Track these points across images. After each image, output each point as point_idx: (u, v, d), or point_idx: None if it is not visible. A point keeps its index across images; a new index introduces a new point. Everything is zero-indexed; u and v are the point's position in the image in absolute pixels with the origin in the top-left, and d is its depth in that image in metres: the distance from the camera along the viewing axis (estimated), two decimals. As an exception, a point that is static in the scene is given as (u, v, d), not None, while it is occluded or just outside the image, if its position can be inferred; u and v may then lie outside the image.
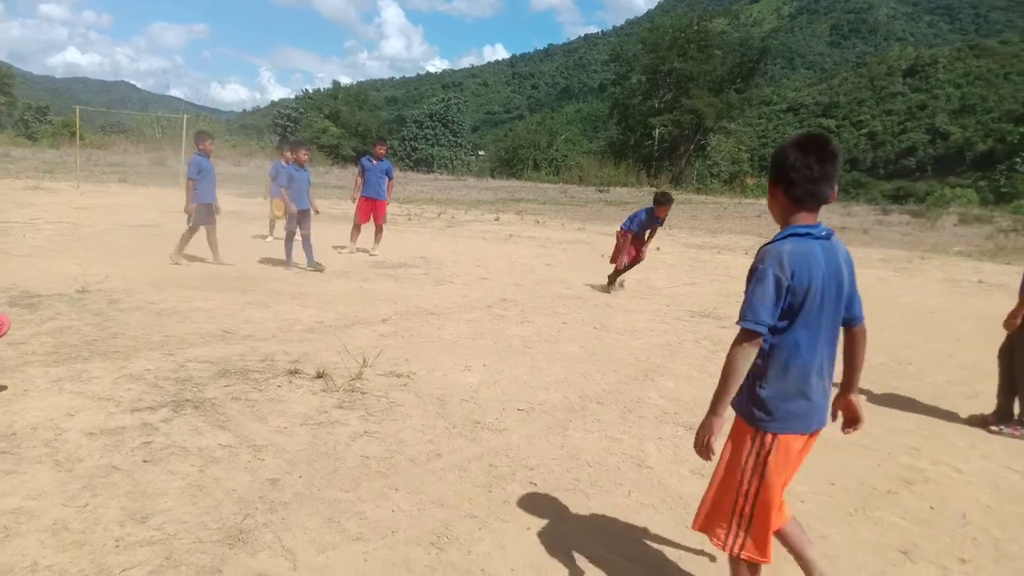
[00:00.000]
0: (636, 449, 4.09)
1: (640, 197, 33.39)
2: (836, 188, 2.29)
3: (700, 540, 3.02)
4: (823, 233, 2.28)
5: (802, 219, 2.29)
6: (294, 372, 4.93)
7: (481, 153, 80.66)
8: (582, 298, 8.87)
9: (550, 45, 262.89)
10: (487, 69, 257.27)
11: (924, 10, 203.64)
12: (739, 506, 2.37)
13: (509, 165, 56.07)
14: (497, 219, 19.94)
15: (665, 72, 53.50)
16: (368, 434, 3.99)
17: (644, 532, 3.15)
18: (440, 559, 2.80)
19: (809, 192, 2.25)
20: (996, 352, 5.12)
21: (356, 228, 11.61)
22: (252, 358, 5.24)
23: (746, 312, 2.21)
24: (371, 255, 11.36)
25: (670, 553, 3.01)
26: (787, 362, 2.26)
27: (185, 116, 30.23)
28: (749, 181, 53.56)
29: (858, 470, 3.99)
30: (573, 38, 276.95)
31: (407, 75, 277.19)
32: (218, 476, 3.32)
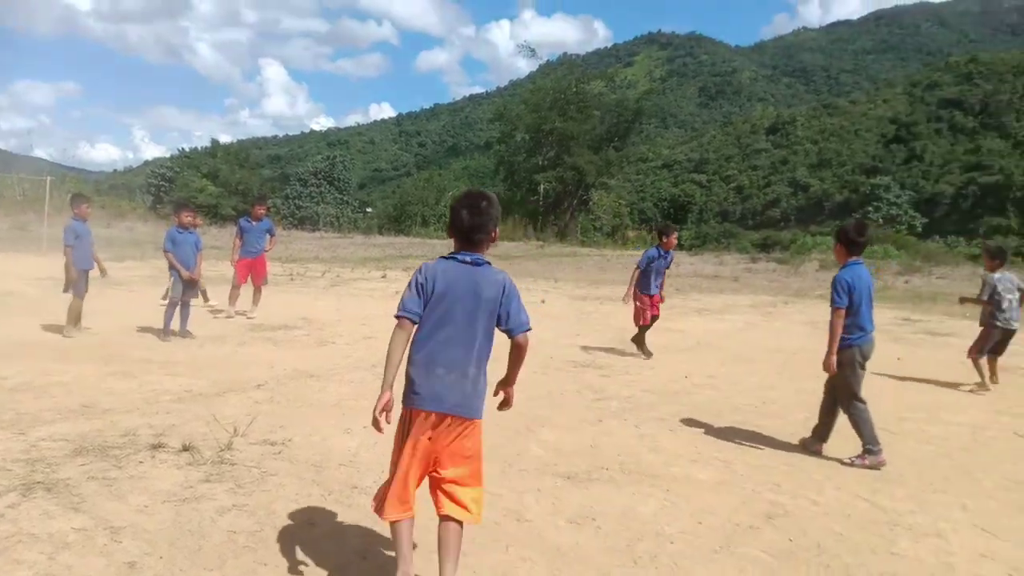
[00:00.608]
0: (516, 503, 4.12)
1: (527, 251, 34.07)
2: (491, 230, 2.98)
3: (574, 591, 3.05)
4: (468, 260, 2.93)
5: (456, 248, 2.99)
6: (158, 446, 4.68)
7: (369, 210, 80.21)
8: (467, 354, 8.91)
9: (436, 104, 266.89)
10: (374, 127, 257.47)
11: (782, 73, 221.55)
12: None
13: (397, 222, 56.11)
14: (384, 276, 19.80)
15: (547, 131, 55.34)
16: (237, 507, 3.83)
17: (519, 587, 3.17)
18: (308, 633, 2.71)
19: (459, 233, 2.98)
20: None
21: (235, 290, 11.25)
22: (112, 433, 4.94)
23: (398, 304, 2.93)
24: (249, 318, 11.01)
25: (546, 607, 3.03)
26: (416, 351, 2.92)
27: (49, 178, 28.59)
28: (631, 234, 55.81)
29: (724, 508, 4.17)
30: (459, 98, 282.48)
31: (291, 133, 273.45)
32: (70, 563, 3.09)
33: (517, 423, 5.80)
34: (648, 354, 9.28)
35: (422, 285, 2.91)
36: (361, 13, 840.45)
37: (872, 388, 7.74)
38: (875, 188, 77.59)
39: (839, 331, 5.19)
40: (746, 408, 6.71)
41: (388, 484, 3.03)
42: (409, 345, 2.93)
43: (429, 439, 2.93)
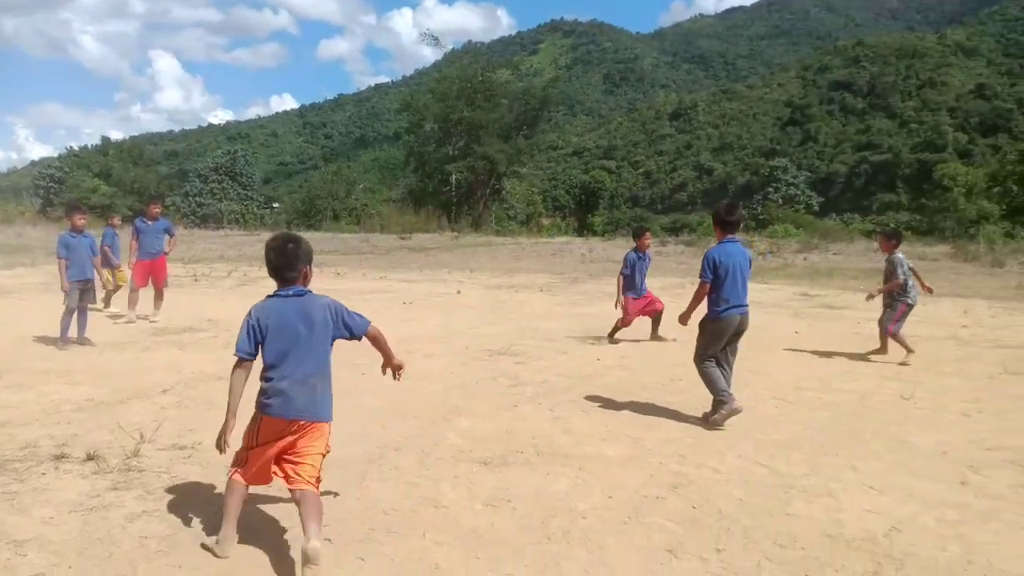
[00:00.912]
0: (432, 491, 4.19)
1: (442, 242, 34.01)
2: (300, 268, 3.49)
3: (487, 568, 3.16)
4: (291, 293, 3.43)
5: (278, 286, 3.47)
6: (60, 457, 4.51)
7: (276, 205, 78.10)
8: (381, 347, 8.88)
9: (340, 95, 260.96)
10: (276, 119, 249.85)
11: (682, 59, 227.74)
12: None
13: (307, 216, 54.87)
14: (294, 273, 19.41)
15: (456, 120, 55.20)
16: (147, 513, 3.75)
17: (436, 568, 3.24)
18: (225, 633, 2.71)
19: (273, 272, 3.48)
20: (748, 361, 5.87)
21: (134, 294, 10.81)
22: (11, 447, 4.73)
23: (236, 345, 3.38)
24: (152, 322, 10.63)
25: (463, 588, 3.12)
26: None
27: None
28: (545, 221, 56.45)
29: (632, 482, 4.37)
30: (363, 88, 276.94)
31: (187, 127, 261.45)
32: (-36, 584, 2.98)
33: (434, 414, 5.87)
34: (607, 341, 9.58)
35: (254, 327, 3.37)
36: (256, 2, 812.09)
37: (771, 360, 8.19)
38: (774, 170, 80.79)
39: (700, 299, 5.78)
40: (654, 386, 6.98)
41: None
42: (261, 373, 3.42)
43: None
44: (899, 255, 8.59)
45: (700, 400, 6.43)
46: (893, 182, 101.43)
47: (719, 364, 5.78)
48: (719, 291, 5.65)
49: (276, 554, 3.38)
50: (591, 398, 6.52)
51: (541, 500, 4.08)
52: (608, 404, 6.31)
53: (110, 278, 11.85)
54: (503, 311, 12.63)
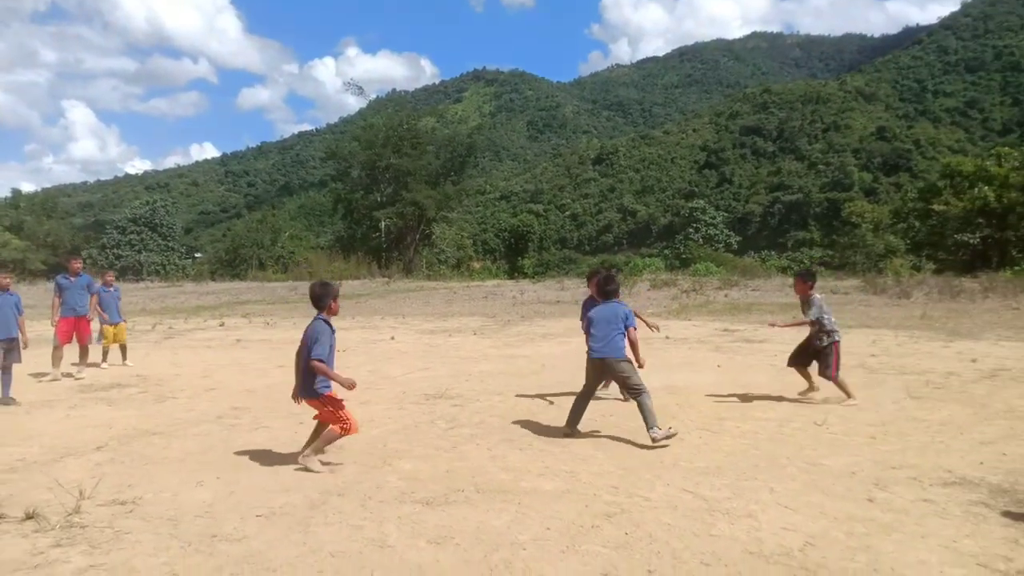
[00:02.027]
0: (377, 532, 4.32)
1: (373, 288, 33.90)
2: (328, 304, 5.81)
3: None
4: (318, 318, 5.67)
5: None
6: (-4, 518, 4.46)
7: (199, 255, 76.38)
8: (317, 396, 8.91)
9: (263, 143, 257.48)
10: (196, 168, 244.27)
11: (601, 106, 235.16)
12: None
13: (231, 266, 53.86)
14: (222, 324, 19.10)
15: (383, 167, 55.53)
16: (94, 567, 3.77)
17: (387, 605, 3.39)
18: (185, 674, 2.79)
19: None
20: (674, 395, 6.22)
21: (58, 351, 10.54)
22: (-61, 511, 4.63)
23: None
24: (77, 379, 10.38)
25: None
26: None
27: None
28: (475, 265, 56.89)
29: (568, 513, 4.61)
30: (287, 135, 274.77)
31: (103, 178, 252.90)
32: (-89, 647, 2.97)
33: (375, 458, 5.99)
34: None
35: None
36: (174, 51, 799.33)
37: (694, 393, 8.61)
38: (693, 211, 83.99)
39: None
40: (588, 421, 7.22)
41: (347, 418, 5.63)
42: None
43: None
44: (816, 296, 8.57)
45: (630, 434, 6.76)
46: (805, 220, 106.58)
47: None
48: (589, 337, 6.82)
49: None
50: (527, 437, 6.75)
51: (482, 535, 4.27)
52: (543, 442, 6.55)
53: (112, 332, 11.74)
54: (437, 355, 12.78)
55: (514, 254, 64.12)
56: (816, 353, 8.40)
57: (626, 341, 6.67)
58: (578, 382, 9.93)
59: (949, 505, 4.75)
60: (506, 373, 10.52)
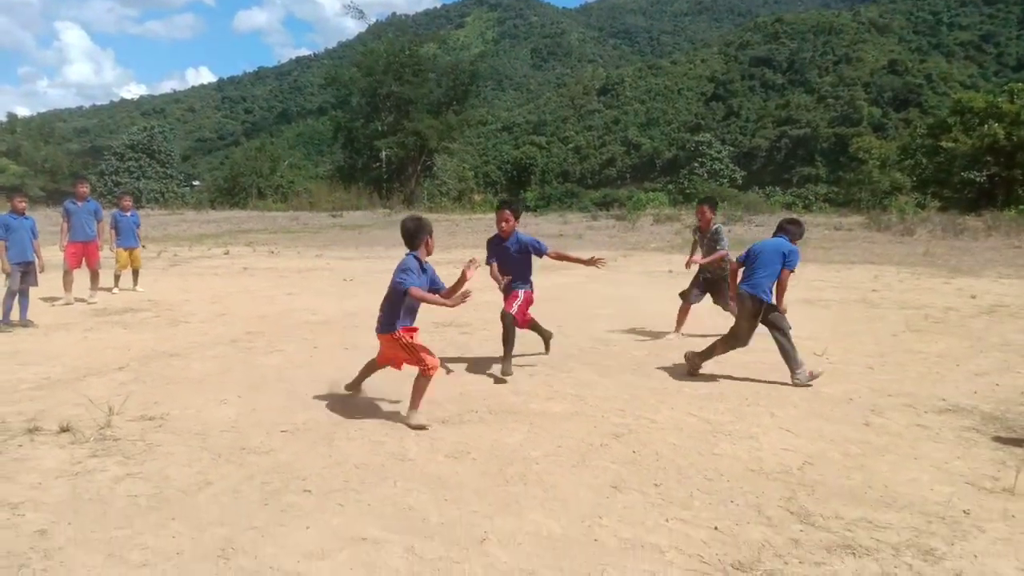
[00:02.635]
0: (398, 447, 4.54)
1: (375, 219, 33.88)
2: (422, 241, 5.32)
3: (454, 508, 3.56)
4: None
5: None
6: (34, 430, 4.67)
7: (197, 183, 75.88)
8: (330, 323, 9.12)
9: (260, 68, 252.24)
10: (192, 93, 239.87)
11: (608, 34, 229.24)
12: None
13: (231, 195, 53.53)
14: (227, 252, 19.23)
15: (384, 95, 54.68)
16: (131, 476, 3.99)
17: (410, 509, 3.62)
18: (230, 566, 3.03)
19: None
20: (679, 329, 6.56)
21: (68, 275, 10.68)
22: (-23, 424, 4.85)
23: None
24: (89, 303, 10.56)
25: (433, 520, 3.49)
26: None
27: None
28: (477, 197, 56.54)
29: (578, 432, 4.83)
30: (285, 60, 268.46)
31: (99, 103, 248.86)
32: (-26, 540, 3.20)
33: (389, 381, 6.18)
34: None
35: None
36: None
37: (698, 325, 8.79)
38: (699, 145, 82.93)
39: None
40: (591, 350, 7.47)
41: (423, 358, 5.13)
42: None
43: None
44: (720, 225, 8.30)
45: (634, 360, 6.97)
46: (812, 155, 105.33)
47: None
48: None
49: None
50: (534, 363, 6.95)
51: (497, 451, 4.49)
52: (551, 367, 6.75)
53: (127, 256, 11.93)
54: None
55: (516, 187, 63.83)
56: (712, 285, 8.18)
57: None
58: (583, 310, 10.15)
59: (942, 431, 4.97)
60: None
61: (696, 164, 78.94)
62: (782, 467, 4.28)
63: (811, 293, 11.50)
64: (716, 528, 3.45)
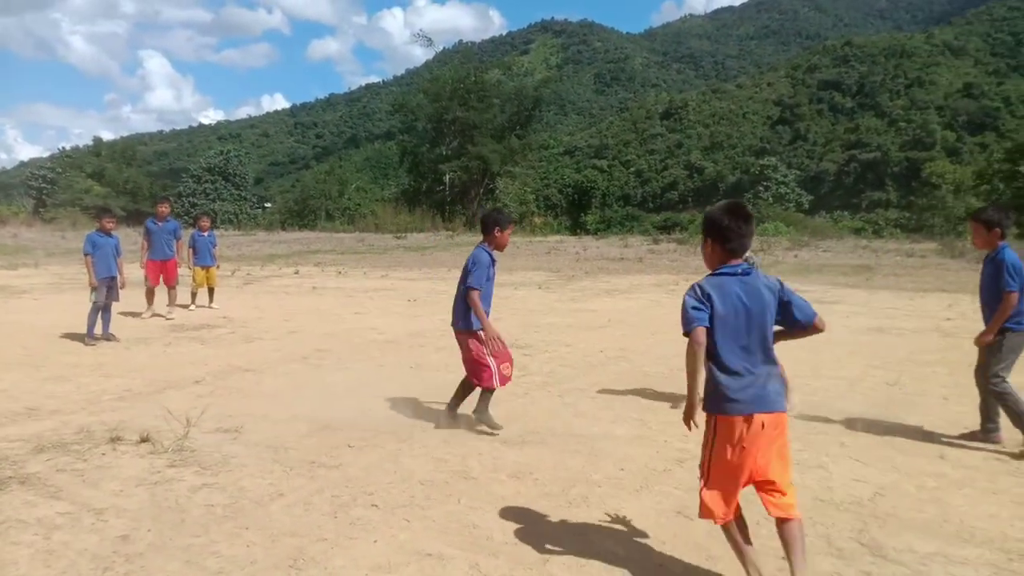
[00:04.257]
0: (460, 465, 4.61)
1: (438, 241, 34.37)
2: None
3: (518, 527, 3.59)
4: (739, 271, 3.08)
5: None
6: (116, 439, 4.91)
7: (268, 205, 78.27)
8: (396, 342, 9.29)
9: (331, 94, 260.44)
10: (267, 119, 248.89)
11: (672, 59, 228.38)
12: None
13: (300, 216, 55.12)
14: (297, 272, 19.78)
15: (449, 120, 55.57)
16: (207, 486, 4.16)
17: (474, 527, 3.67)
18: (301, 576, 3.13)
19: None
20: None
21: (150, 292, 11.21)
22: (66, 431, 5.13)
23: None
24: (167, 319, 11.01)
25: (497, 539, 3.52)
26: None
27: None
28: (537, 220, 56.76)
29: (641, 457, 4.81)
30: (354, 87, 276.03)
31: (178, 127, 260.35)
32: (65, 540, 3.39)
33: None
34: None
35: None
36: (249, 1, 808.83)
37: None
38: (764, 169, 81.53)
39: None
40: (655, 375, 7.41)
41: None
42: None
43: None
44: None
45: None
46: (882, 180, 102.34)
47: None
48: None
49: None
50: (596, 385, 6.95)
51: (559, 472, 4.51)
52: (613, 391, 6.74)
53: (203, 275, 12.40)
54: (505, 307, 13.03)
55: (576, 210, 63.73)
56: None
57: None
58: (645, 334, 10.08)
59: (1022, 465, 4.76)
60: (573, 326, 10.70)
61: (761, 188, 77.55)
62: (852, 498, 4.18)
63: (884, 321, 11.17)
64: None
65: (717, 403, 3.02)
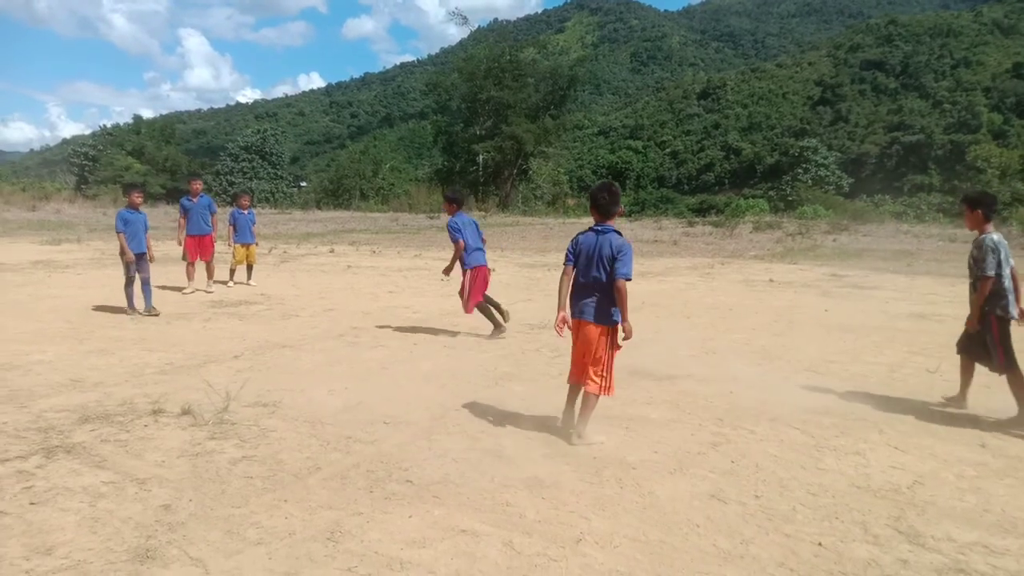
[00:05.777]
0: (494, 444, 4.64)
1: (469, 221, 34.35)
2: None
3: (551, 506, 3.61)
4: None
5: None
6: (157, 412, 5.03)
7: (304, 184, 79.01)
8: (429, 320, 9.35)
9: (367, 73, 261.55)
10: (303, 98, 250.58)
11: (710, 37, 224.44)
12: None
13: (335, 196, 55.55)
14: (332, 251, 19.96)
15: (483, 100, 55.34)
16: (247, 458, 4.24)
17: (508, 505, 3.69)
18: (338, 548, 3.18)
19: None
20: (779, 337, 6.21)
21: (190, 267, 11.43)
22: (110, 403, 5.26)
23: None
24: (208, 292, 11.23)
25: (530, 517, 3.55)
26: None
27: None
28: (570, 202, 56.47)
29: (675, 439, 4.79)
30: (389, 66, 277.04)
31: (216, 106, 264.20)
32: (110, 508, 3.49)
33: (487, 379, 6.33)
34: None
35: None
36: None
37: (801, 336, 8.52)
38: (803, 150, 79.99)
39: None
40: (688, 359, 7.37)
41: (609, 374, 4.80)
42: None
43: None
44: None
45: (734, 370, 6.82)
46: (925, 163, 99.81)
47: None
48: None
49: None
50: (631, 367, 6.91)
51: (594, 453, 4.52)
52: (647, 373, 6.71)
53: (243, 251, 12.59)
54: (538, 288, 13.04)
55: (611, 191, 63.21)
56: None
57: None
58: (680, 316, 10.01)
59: (1069, 457, 4.65)
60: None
61: (800, 170, 76.18)
62: (890, 485, 4.12)
63: (925, 307, 10.94)
64: (820, 544, 3.37)
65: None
